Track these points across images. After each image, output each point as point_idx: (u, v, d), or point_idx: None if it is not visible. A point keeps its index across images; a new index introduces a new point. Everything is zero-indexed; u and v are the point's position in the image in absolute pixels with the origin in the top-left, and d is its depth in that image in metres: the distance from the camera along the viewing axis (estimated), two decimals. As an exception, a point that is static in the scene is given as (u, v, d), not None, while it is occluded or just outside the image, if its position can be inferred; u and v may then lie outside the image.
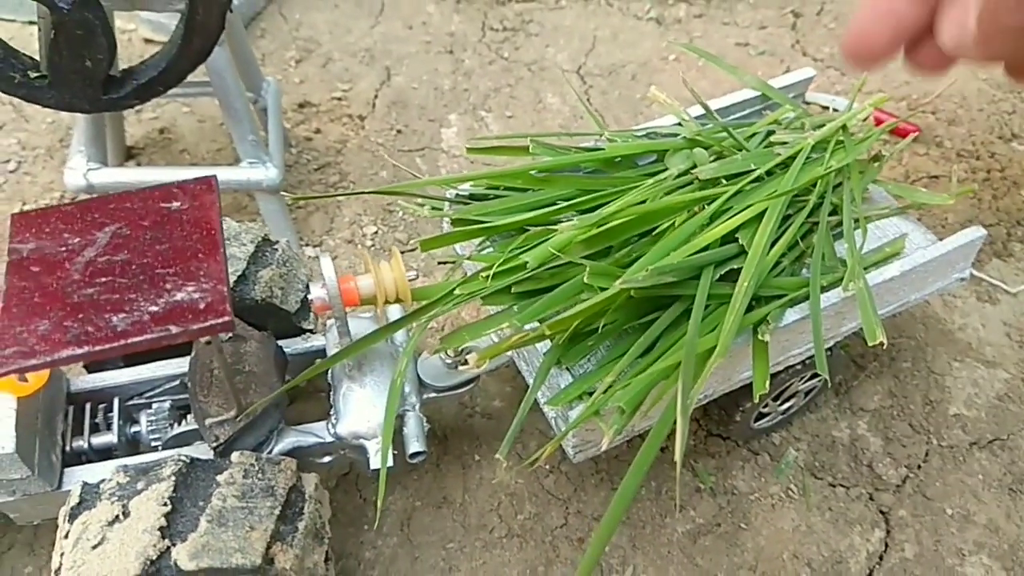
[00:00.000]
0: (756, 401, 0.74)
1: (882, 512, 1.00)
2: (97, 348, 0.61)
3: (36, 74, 0.94)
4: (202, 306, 0.63)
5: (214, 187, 0.71)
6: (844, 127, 0.96)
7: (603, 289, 0.70)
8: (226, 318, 0.63)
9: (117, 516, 0.71)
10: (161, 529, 0.69)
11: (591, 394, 0.76)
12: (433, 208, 0.87)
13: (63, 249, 0.67)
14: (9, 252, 0.68)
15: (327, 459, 0.88)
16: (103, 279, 0.64)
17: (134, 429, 0.86)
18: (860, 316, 0.76)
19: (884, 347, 0.80)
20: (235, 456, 0.76)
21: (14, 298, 0.64)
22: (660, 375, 0.73)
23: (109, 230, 0.67)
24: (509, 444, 0.74)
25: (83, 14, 0.87)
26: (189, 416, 0.85)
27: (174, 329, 0.62)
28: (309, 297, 0.80)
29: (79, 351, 0.61)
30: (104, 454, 0.85)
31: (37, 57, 0.94)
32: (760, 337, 0.75)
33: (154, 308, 0.63)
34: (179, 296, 0.63)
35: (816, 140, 0.92)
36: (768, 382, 0.74)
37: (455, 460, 1.02)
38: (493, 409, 1.07)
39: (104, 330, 0.61)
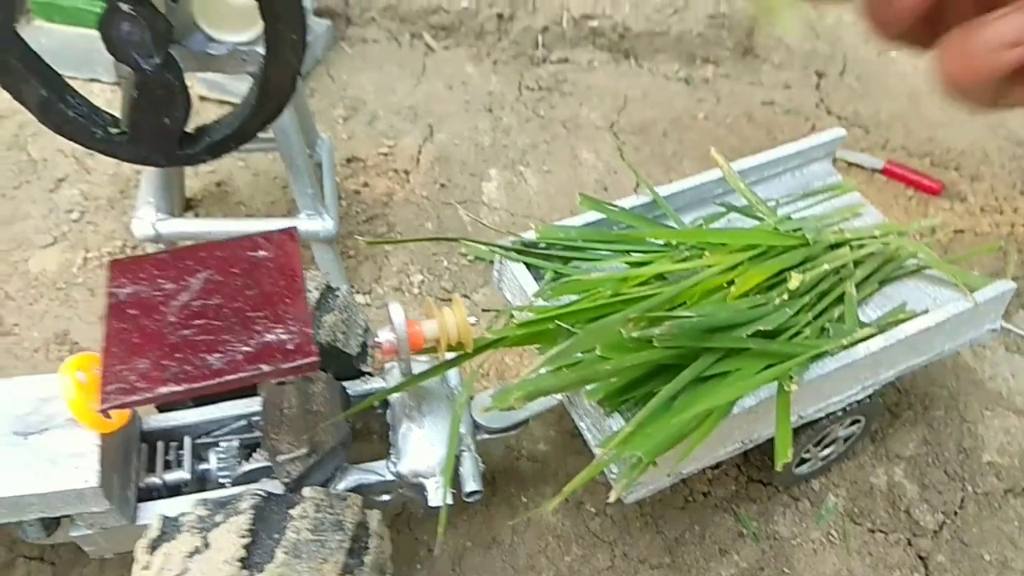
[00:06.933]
0: (786, 462, 0.78)
1: (920, 557, 1.02)
2: (195, 385, 0.65)
3: (116, 131, 1.01)
4: (290, 347, 0.68)
5: (296, 237, 0.76)
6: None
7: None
8: (313, 358, 0.67)
9: (197, 548, 0.74)
10: (241, 560, 0.72)
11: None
12: (491, 251, 0.94)
13: (159, 294, 0.72)
14: (107, 296, 0.73)
15: (385, 498, 0.92)
16: (198, 321, 0.69)
17: (203, 466, 0.90)
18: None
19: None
20: (307, 491, 0.80)
21: (114, 339, 0.69)
22: (683, 425, 0.77)
23: (202, 276, 0.73)
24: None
25: (165, 75, 0.94)
26: (255, 453, 0.89)
27: (265, 368, 0.66)
28: (377, 341, 0.84)
29: (178, 388, 0.66)
30: (174, 490, 0.89)
31: (115, 114, 1.01)
32: (786, 388, 0.79)
33: (246, 348, 0.67)
34: (269, 338, 0.68)
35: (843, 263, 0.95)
36: (791, 448, 0.79)
37: (503, 502, 1.05)
38: (539, 452, 1.10)
39: (201, 368, 0.66)
